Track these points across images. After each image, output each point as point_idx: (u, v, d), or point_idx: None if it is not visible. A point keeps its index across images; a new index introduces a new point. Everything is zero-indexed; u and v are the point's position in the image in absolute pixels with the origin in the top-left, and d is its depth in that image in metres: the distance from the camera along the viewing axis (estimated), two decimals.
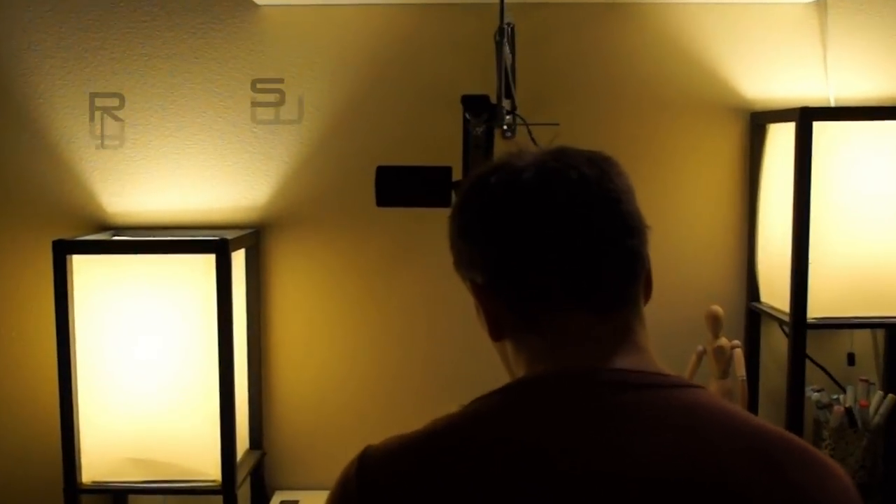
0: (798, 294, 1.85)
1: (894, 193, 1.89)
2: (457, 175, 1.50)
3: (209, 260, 1.73)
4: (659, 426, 0.88)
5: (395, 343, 2.05)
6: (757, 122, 2.06)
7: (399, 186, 1.46)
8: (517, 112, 1.59)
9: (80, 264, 1.77)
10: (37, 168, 2.01)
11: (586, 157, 0.97)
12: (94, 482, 1.81)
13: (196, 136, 2.02)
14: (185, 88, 2.01)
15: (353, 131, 2.01)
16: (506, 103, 1.55)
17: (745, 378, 1.89)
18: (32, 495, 2.02)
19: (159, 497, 1.93)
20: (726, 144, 2.06)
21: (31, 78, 2.01)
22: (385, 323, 2.05)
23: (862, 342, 2.13)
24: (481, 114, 1.44)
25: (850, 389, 2.03)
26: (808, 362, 1.96)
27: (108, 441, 1.80)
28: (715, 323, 1.91)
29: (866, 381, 2.01)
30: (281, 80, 2.01)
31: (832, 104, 2.07)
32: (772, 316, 2.01)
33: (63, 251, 1.74)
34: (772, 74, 2.05)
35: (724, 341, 1.90)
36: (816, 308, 1.88)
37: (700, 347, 1.94)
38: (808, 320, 1.88)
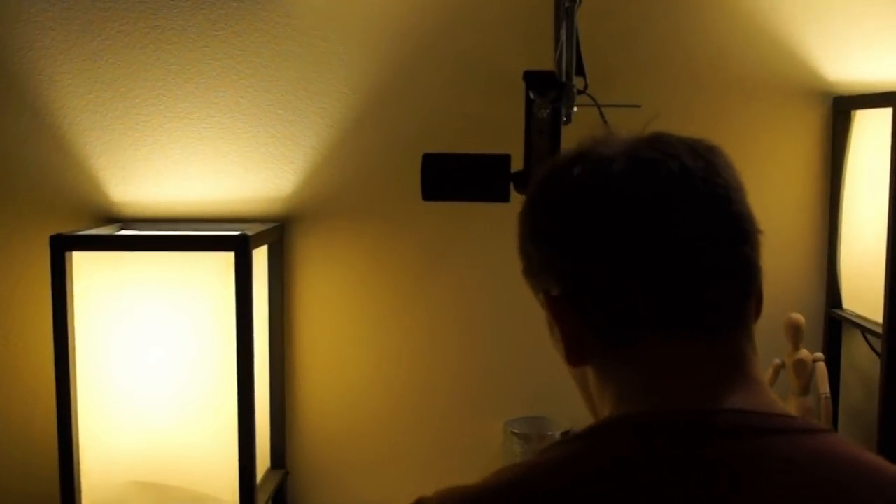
0: (893, 302, 1.72)
1: None
2: (516, 164, 1.41)
3: (227, 258, 1.66)
4: (791, 482, 0.79)
5: (433, 351, 1.99)
6: (840, 107, 1.97)
7: (449, 177, 1.39)
8: (588, 92, 1.47)
9: (82, 262, 1.71)
10: (36, 153, 1.95)
11: (688, 145, 0.87)
12: None
13: (214, 118, 1.94)
14: (201, 65, 1.93)
15: (390, 114, 1.94)
16: (577, 81, 1.45)
17: (829, 396, 1.80)
18: None
19: None
20: (805, 132, 1.99)
21: (31, 53, 1.94)
22: (423, 329, 1.98)
23: None
24: (548, 93, 1.34)
25: None
26: None
27: (112, 462, 1.76)
28: (796, 333, 1.83)
29: None
30: (310, 57, 1.94)
31: None
32: (856, 324, 1.92)
33: (62, 247, 1.68)
34: (857, 54, 1.98)
35: (804, 354, 1.82)
36: None
37: (777, 360, 1.85)
38: None
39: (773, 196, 2.00)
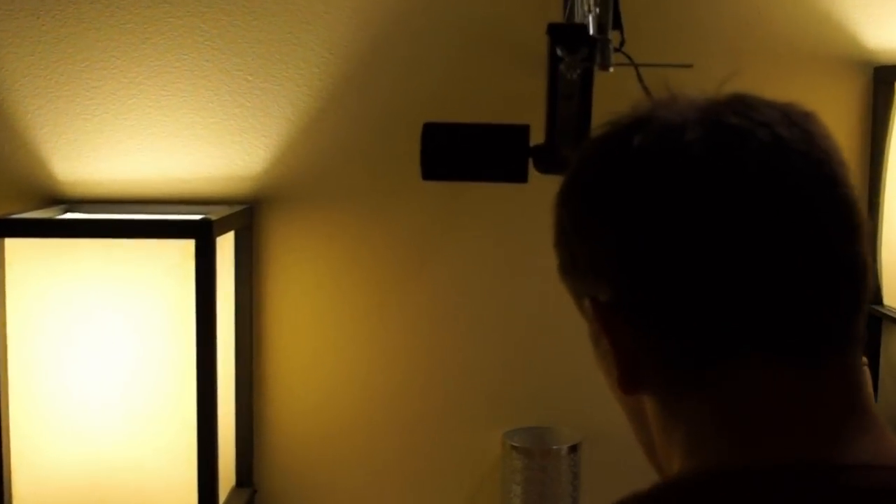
0: None
1: None
2: (536, 137, 1.28)
3: (187, 246, 1.58)
4: None
5: (424, 353, 1.89)
6: (883, 77, 1.89)
7: (455, 152, 1.28)
8: (623, 49, 1.39)
9: (18, 250, 1.63)
10: None
11: (779, 110, 0.75)
12: None
13: (174, 84, 1.84)
14: (160, 23, 1.84)
15: (379, 81, 1.84)
16: (612, 36, 1.34)
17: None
18: None
19: None
20: (842, 104, 1.92)
21: None
22: (414, 329, 1.89)
23: None
24: (579, 49, 1.20)
25: None
26: None
27: (50, 484, 1.67)
28: None
29: None
30: (286, 14, 1.85)
31: None
32: None
33: None
34: None
35: None
36: None
37: None
38: None
39: None
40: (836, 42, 1.90)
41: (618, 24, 1.39)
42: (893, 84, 1.88)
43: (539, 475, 1.69)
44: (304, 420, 1.89)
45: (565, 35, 1.22)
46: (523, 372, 1.86)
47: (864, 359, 1.71)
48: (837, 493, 0.68)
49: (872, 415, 0.75)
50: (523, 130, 1.27)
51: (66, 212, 1.79)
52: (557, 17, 1.50)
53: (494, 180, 1.29)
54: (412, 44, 1.84)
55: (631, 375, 0.75)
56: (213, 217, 1.59)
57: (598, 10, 1.29)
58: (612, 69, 1.33)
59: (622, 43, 1.42)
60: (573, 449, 1.70)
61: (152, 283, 1.61)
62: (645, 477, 1.94)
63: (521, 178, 1.26)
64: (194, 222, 1.57)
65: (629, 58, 1.38)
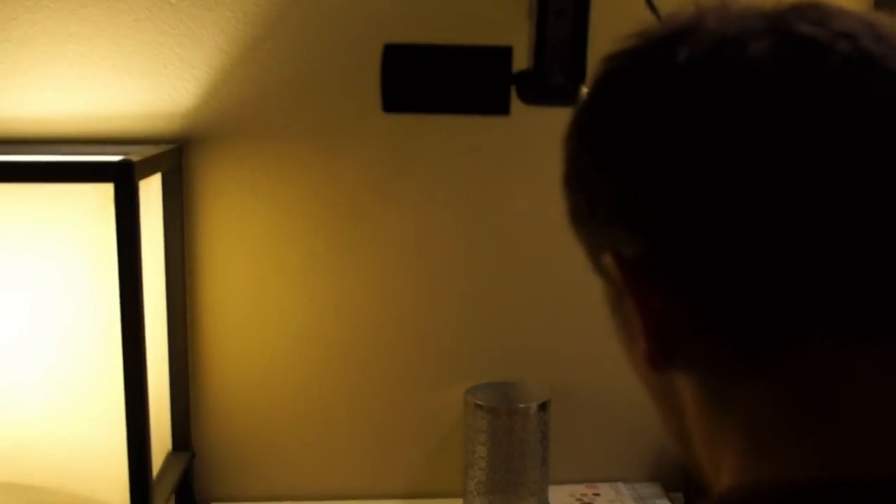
0: None
1: None
2: (519, 62, 1.15)
3: (106, 191, 1.46)
4: None
5: (374, 305, 1.80)
6: (883, 4, 1.82)
7: (423, 78, 1.13)
8: None
9: None
10: None
11: (862, 20, 0.62)
12: None
13: (87, 8, 1.70)
14: None
15: (327, 1, 1.72)
16: None
17: None
18: None
19: None
20: None
21: None
22: (366, 276, 1.78)
23: None
24: None
25: None
26: None
27: None
28: None
29: None
30: None
31: None
32: None
33: None
34: None
35: None
36: None
37: None
38: None
39: None
40: None
41: None
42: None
43: (505, 435, 1.57)
44: (245, 378, 1.80)
45: None
46: (487, 323, 1.77)
47: None
48: None
49: None
50: (504, 53, 1.14)
51: None
52: None
53: (470, 112, 1.16)
54: None
55: (664, 349, 0.63)
56: (135, 158, 1.47)
57: None
58: None
59: None
60: (542, 407, 1.59)
61: (68, 232, 1.51)
62: (620, 437, 1.77)
63: (502, 109, 1.13)
64: (113, 164, 1.44)
65: None
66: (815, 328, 0.58)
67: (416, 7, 1.70)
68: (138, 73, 1.70)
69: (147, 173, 1.54)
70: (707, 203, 0.58)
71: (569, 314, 1.71)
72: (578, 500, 1.61)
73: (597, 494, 1.62)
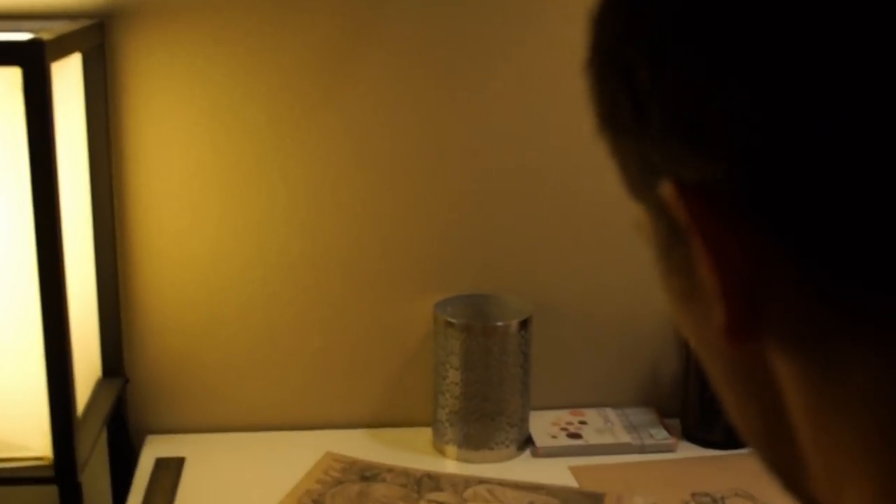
0: None
1: None
2: None
3: (13, 75, 1.33)
4: None
5: (328, 208, 1.67)
6: None
7: None
8: None
9: None
10: None
11: None
12: None
13: None
14: None
15: None
16: None
17: None
18: None
19: None
20: None
21: None
22: (318, 173, 1.66)
23: None
24: None
25: None
26: None
27: None
28: None
29: None
30: None
31: None
32: None
33: None
34: None
35: None
36: None
37: None
38: None
39: None
40: None
41: None
42: None
43: (481, 357, 1.43)
44: (183, 293, 1.68)
45: None
46: (459, 227, 1.64)
47: None
48: None
49: None
50: None
51: None
52: None
53: None
54: None
55: (748, 313, 0.48)
56: (46, 36, 1.33)
57: None
58: None
59: None
60: (523, 324, 1.46)
61: None
62: (609, 357, 1.62)
63: None
64: (20, 45, 1.31)
65: None
66: None
67: None
68: None
69: (62, 54, 1.40)
70: (820, 109, 0.44)
71: (555, 219, 1.58)
72: (563, 428, 1.48)
73: (583, 422, 1.49)
